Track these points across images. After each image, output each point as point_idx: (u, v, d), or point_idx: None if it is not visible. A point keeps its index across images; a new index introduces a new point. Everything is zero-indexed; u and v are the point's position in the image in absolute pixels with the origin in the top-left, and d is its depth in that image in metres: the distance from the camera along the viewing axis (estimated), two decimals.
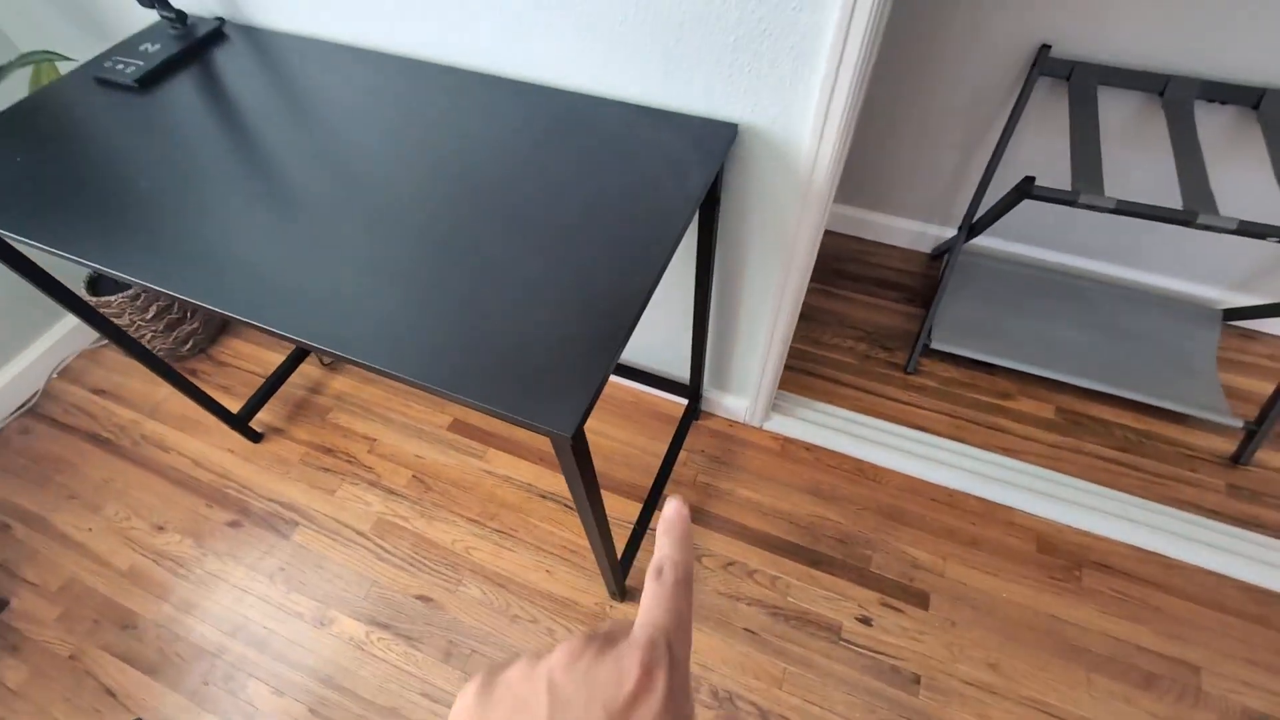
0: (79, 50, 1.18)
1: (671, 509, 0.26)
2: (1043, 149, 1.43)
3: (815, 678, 1.16)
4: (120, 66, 0.95)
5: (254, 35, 1.03)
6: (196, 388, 1.33)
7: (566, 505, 1.40)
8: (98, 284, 1.51)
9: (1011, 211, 1.24)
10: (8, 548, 1.41)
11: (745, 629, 1.22)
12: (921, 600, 1.23)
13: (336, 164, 0.81)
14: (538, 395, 0.59)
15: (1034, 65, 1.28)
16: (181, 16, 1.00)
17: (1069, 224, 1.57)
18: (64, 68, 1.17)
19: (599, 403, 1.44)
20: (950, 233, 1.72)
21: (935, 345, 1.51)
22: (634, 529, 1.28)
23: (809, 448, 1.45)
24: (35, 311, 1.62)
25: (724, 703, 1.15)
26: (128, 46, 0.99)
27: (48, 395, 1.66)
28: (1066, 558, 1.27)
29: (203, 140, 0.86)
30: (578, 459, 0.64)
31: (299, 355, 1.60)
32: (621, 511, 1.38)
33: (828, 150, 0.80)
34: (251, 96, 0.93)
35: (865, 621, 1.22)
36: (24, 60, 1.09)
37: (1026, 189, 1.08)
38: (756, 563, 1.30)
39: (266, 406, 1.56)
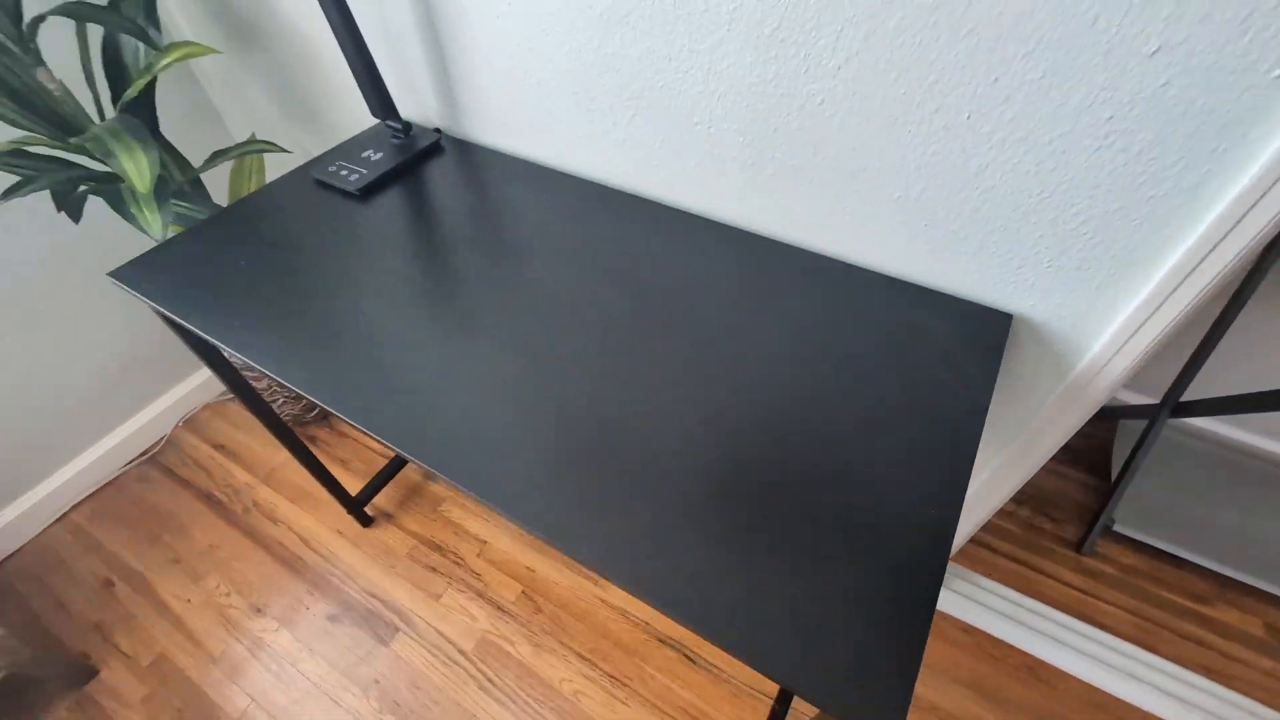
0: (290, 142, 1.22)
1: None
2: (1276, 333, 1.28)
3: None
4: (344, 173, 0.95)
5: (470, 152, 1.03)
6: (319, 462, 1.28)
7: (687, 656, 1.26)
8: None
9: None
10: (108, 607, 1.37)
11: None
12: None
13: (536, 301, 0.76)
14: (817, 664, 0.48)
15: (1270, 248, 1.15)
16: (406, 127, 1.01)
17: None
18: (275, 159, 1.20)
19: None
20: (1124, 395, 1.56)
21: (1119, 528, 1.33)
22: (773, 707, 1.13)
23: (967, 629, 1.27)
24: (172, 361, 1.65)
25: None
26: (349, 151, 1.00)
27: (170, 444, 1.66)
28: None
29: (408, 257, 0.83)
30: None
31: None
32: (751, 678, 1.23)
33: (1123, 363, 0.70)
34: (460, 218, 0.90)
35: None
36: (243, 149, 1.13)
37: None
38: None
39: (382, 489, 1.51)
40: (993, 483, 0.96)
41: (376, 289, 0.79)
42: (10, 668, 1.11)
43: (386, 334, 0.74)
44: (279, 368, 0.70)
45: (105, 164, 0.90)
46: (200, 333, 0.75)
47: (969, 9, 0.56)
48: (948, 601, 1.30)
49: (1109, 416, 1.60)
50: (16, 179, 0.99)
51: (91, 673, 1.28)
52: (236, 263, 0.84)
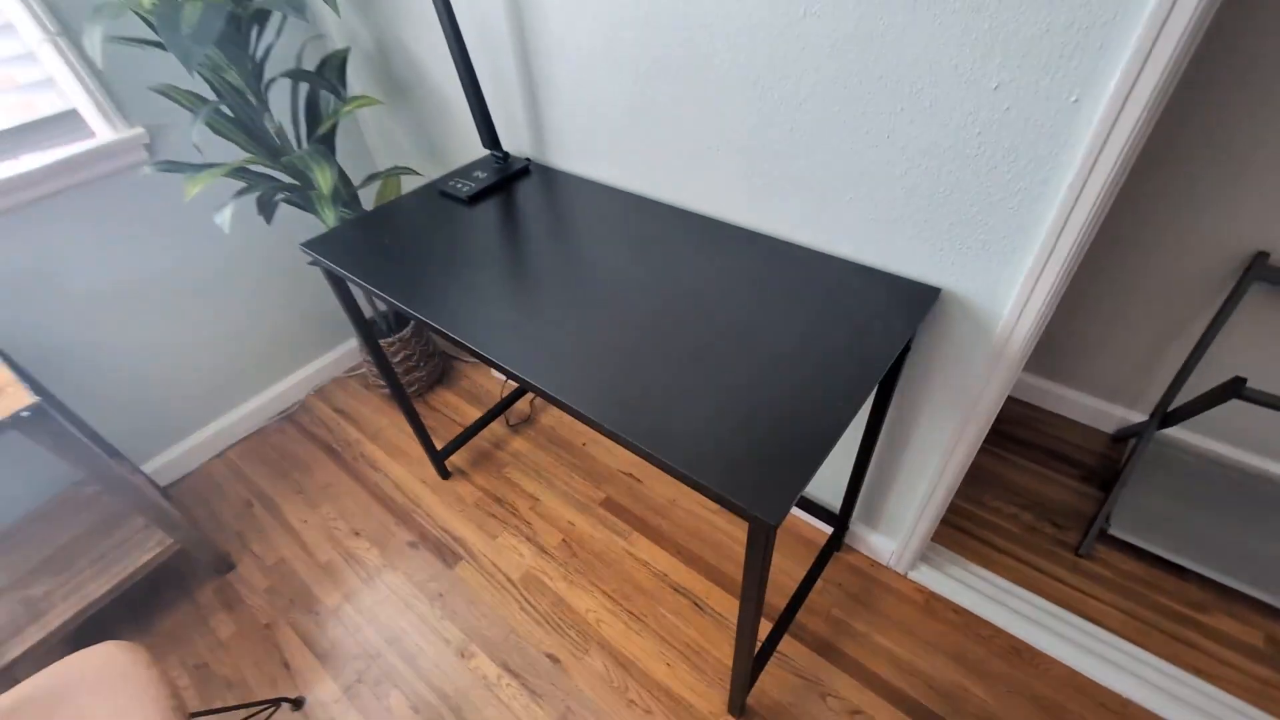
0: (420, 168, 1.62)
1: None
2: (1255, 347, 1.37)
3: None
4: (459, 186, 1.31)
5: (549, 174, 1.37)
6: (420, 420, 1.62)
7: (696, 604, 1.45)
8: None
9: (1221, 409, 1.20)
10: (247, 521, 1.75)
11: None
12: None
13: (588, 272, 1.05)
14: (743, 485, 0.71)
15: (1248, 270, 1.27)
16: (506, 156, 1.37)
17: None
18: (408, 179, 1.61)
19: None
20: (1137, 417, 1.64)
21: (1114, 531, 1.41)
22: (762, 646, 1.29)
23: (957, 610, 1.38)
24: (313, 345, 2.09)
25: None
26: (465, 172, 1.37)
27: (304, 407, 2.08)
28: None
29: (501, 242, 1.16)
30: (767, 549, 0.74)
31: (493, 414, 1.87)
32: None
33: (1026, 325, 0.89)
34: (539, 218, 1.23)
35: None
36: (391, 171, 1.54)
37: (1236, 390, 1.05)
38: (885, 718, 1.24)
39: (458, 451, 1.83)
40: (949, 453, 1.12)
41: (479, 262, 1.12)
42: (183, 543, 1.48)
43: (485, 291, 1.05)
44: (409, 304, 1.03)
45: (303, 176, 1.30)
46: (356, 279, 1.10)
47: (877, 61, 0.82)
48: (940, 584, 1.42)
49: (1122, 438, 1.67)
50: (241, 185, 1.42)
51: (231, 566, 1.64)
52: (382, 240, 1.20)
